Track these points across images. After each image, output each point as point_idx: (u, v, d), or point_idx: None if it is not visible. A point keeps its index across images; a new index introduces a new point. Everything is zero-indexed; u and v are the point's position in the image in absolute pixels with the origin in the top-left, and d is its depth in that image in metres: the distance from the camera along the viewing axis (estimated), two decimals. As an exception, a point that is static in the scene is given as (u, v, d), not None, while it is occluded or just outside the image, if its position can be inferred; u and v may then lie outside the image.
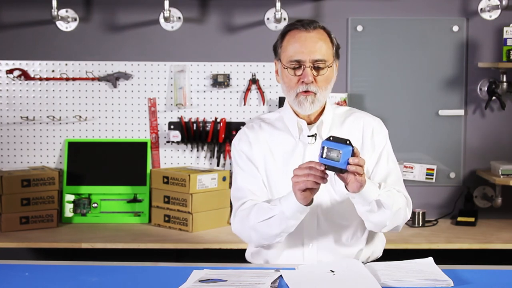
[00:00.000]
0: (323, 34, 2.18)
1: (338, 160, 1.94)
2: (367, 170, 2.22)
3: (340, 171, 1.96)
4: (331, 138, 1.96)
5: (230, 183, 3.58)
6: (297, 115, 2.23)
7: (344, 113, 2.31)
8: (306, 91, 2.15)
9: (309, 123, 2.24)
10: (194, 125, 3.70)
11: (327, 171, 1.98)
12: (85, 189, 3.66)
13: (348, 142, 1.95)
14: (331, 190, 2.19)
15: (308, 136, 2.22)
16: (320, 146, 1.96)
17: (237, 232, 2.26)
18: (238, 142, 2.31)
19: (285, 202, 2.09)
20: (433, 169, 3.70)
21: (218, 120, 3.70)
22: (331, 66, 2.18)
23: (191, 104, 3.71)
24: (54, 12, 3.52)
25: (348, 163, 1.94)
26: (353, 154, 1.94)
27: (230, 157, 3.69)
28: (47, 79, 3.70)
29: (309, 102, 2.16)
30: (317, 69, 2.15)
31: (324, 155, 1.95)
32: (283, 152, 2.24)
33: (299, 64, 2.15)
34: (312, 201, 2.06)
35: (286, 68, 2.17)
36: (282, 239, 2.18)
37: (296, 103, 2.18)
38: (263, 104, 3.70)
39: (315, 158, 2.03)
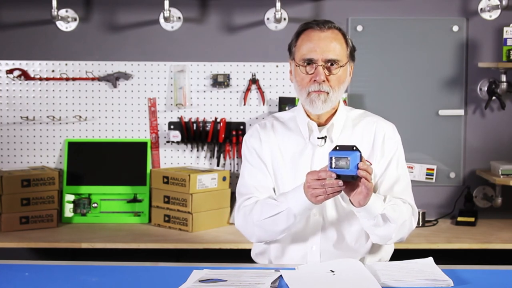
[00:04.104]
0: (337, 35, 2.17)
1: (348, 167, 1.95)
2: (375, 175, 2.21)
3: (351, 178, 1.96)
4: (338, 148, 1.96)
5: (230, 183, 3.59)
6: (308, 116, 2.23)
7: (358, 116, 2.29)
8: (318, 91, 2.14)
9: (320, 125, 2.23)
10: (194, 125, 3.70)
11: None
12: (85, 189, 3.66)
13: (354, 148, 1.95)
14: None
15: (318, 138, 2.21)
16: (328, 157, 1.96)
17: (240, 227, 2.26)
18: (249, 138, 2.31)
19: (293, 199, 2.08)
20: (433, 169, 3.70)
21: (218, 120, 3.70)
22: (344, 66, 2.16)
23: (191, 104, 3.71)
24: (54, 12, 3.52)
25: (358, 168, 1.94)
26: (361, 159, 1.94)
27: (230, 157, 3.70)
28: (47, 79, 3.70)
29: (321, 101, 2.14)
30: (330, 68, 2.14)
31: (333, 165, 1.95)
32: (292, 152, 2.24)
33: (311, 63, 2.14)
34: None
35: (299, 66, 2.16)
36: (285, 236, 2.19)
37: (308, 102, 2.17)
38: (263, 104, 3.70)
39: (323, 160, 2.05)
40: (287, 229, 2.15)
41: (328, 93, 2.14)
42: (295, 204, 2.08)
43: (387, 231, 2.12)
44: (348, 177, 1.95)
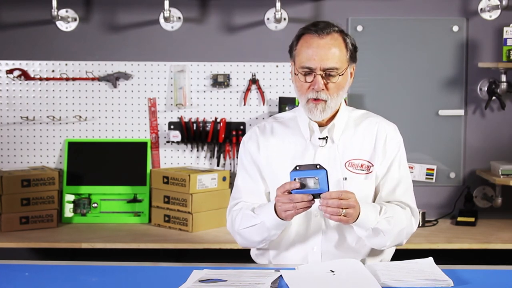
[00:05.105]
0: (337, 40, 2.14)
1: (318, 187, 1.97)
2: (377, 176, 2.22)
3: (319, 196, 1.99)
4: (298, 168, 1.99)
5: (230, 183, 3.58)
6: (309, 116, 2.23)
7: (360, 116, 2.29)
8: (316, 99, 2.13)
9: (321, 126, 2.23)
10: (194, 125, 3.70)
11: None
12: (85, 189, 3.66)
13: (318, 166, 1.97)
14: None
15: (319, 138, 2.21)
16: (290, 178, 1.99)
17: (229, 230, 2.32)
18: (248, 141, 2.31)
19: (266, 213, 2.12)
20: (433, 169, 3.70)
21: (218, 120, 3.70)
22: (343, 74, 2.14)
23: (191, 104, 3.71)
24: (54, 12, 3.52)
25: (328, 185, 1.97)
26: (327, 176, 1.97)
27: (230, 157, 3.70)
28: (47, 79, 3.70)
29: (319, 110, 2.14)
30: (329, 76, 2.12)
31: (301, 187, 1.99)
32: (293, 153, 2.23)
33: (310, 71, 2.12)
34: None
35: (298, 74, 2.15)
36: (266, 245, 2.23)
37: (307, 110, 2.17)
38: (263, 104, 3.70)
39: (325, 161, 2.09)
40: (265, 240, 2.19)
41: (326, 101, 2.14)
42: (267, 218, 2.11)
43: (380, 241, 2.14)
44: (317, 195, 1.99)
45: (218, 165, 3.71)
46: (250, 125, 3.69)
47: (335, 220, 2.03)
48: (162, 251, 3.41)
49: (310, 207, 2.02)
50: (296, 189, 1.99)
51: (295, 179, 1.98)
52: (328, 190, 1.97)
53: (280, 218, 2.07)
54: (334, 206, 1.98)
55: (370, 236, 2.12)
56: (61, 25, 3.69)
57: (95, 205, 3.65)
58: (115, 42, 3.71)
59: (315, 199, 2.00)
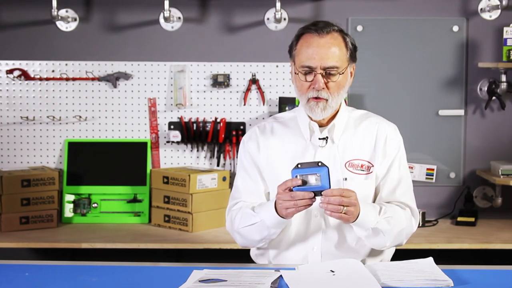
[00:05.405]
0: (337, 39, 2.14)
1: (319, 183, 1.97)
2: (377, 177, 2.22)
3: (320, 194, 1.98)
4: (299, 166, 1.99)
5: (230, 183, 3.58)
6: (309, 117, 2.22)
7: (360, 116, 2.29)
8: (317, 98, 2.13)
9: (322, 126, 2.23)
10: (194, 125, 3.70)
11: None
12: (85, 189, 3.66)
13: (320, 163, 1.97)
14: None
15: (319, 139, 2.21)
16: (291, 176, 1.99)
17: (228, 230, 2.32)
18: (248, 141, 2.31)
19: (266, 212, 2.12)
20: (433, 169, 3.70)
21: (218, 120, 3.70)
22: (343, 73, 2.14)
23: (191, 104, 3.71)
24: (54, 12, 3.52)
25: (330, 182, 1.97)
26: (329, 173, 1.97)
27: (230, 157, 3.70)
28: (47, 79, 3.70)
29: (320, 109, 2.14)
30: (329, 75, 2.12)
31: (302, 184, 1.99)
32: (293, 153, 2.23)
33: (310, 70, 2.12)
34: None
35: (298, 74, 2.15)
36: (265, 244, 2.23)
37: (307, 109, 2.17)
38: (263, 104, 3.70)
39: (325, 161, 2.07)
40: (265, 239, 2.19)
41: (327, 100, 2.14)
42: (267, 217, 2.11)
43: (380, 241, 2.14)
44: (318, 192, 1.99)
45: (218, 165, 3.71)
46: (250, 125, 3.69)
47: (335, 218, 2.03)
48: (162, 251, 3.41)
49: (311, 204, 2.01)
50: (298, 186, 1.99)
51: (296, 177, 1.98)
52: (330, 187, 1.97)
53: (281, 216, 2.07)
54: (336, 203, 1.98)
55: (370, 236, 2.12)
56: (61, 25, 3.69)
57: (95, 205, 3.65)
58: (115, 42, 3.71)
59: (316, 197, 2.00)
